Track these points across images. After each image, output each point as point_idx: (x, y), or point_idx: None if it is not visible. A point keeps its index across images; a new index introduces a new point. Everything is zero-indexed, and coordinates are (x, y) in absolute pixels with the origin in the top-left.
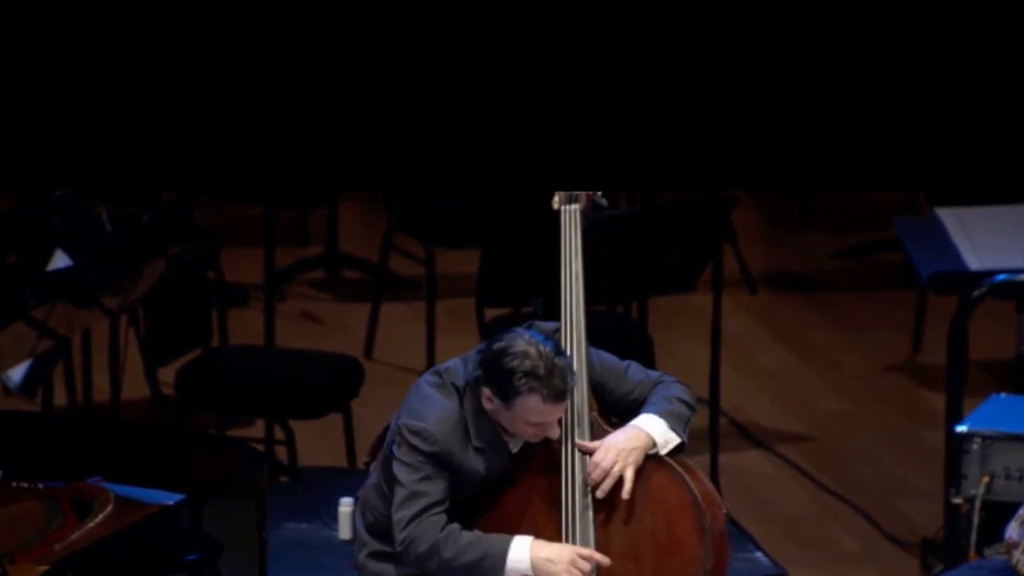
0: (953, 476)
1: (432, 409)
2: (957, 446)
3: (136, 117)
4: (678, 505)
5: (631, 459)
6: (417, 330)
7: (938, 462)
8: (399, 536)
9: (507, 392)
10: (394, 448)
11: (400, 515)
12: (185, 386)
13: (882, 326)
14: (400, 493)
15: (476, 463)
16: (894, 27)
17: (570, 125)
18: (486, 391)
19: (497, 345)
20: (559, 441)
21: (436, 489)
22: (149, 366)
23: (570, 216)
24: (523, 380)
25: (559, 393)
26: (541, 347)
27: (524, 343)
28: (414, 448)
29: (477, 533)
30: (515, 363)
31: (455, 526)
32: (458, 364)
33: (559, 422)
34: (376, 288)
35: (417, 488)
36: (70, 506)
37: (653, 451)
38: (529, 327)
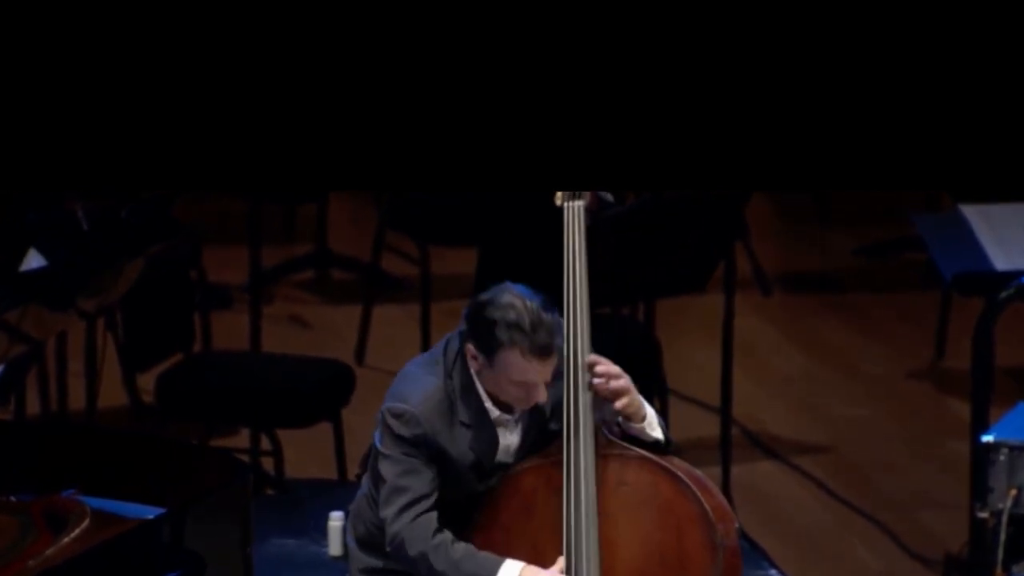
0: (979, 489)
1: (414, 389)
2: (983, 457)
3: (119, 114)
4: (687, 519)
5: (629, 384)
6: (411, 333)
7: (963, 474)
8: (389, 531)
9: (489, 345)
10: (377, 438)
11: (385, 512)
12: (166, 393)
13: (904, 329)
14: (384, 489)
15: (463, 441)
16: (912, 18)
17: (572, 122)
18: (470, 348)
19: (483, 297)
20: (560, 452)
21: (420, 482)
22: (128, 372)
23: (573, 213)
24: (505, 332)
25: (542, 348)
26: (528, 301)
27: (511, 295)
28: (397, 437)
29: (469, 548)
30: (498, 314)
31: (447, 535)
32: (455, 336)
33: (560, 401)
34: (368, 289)
35: (399, 483)
36: (44, 521)
37: (639, 424)
38: None
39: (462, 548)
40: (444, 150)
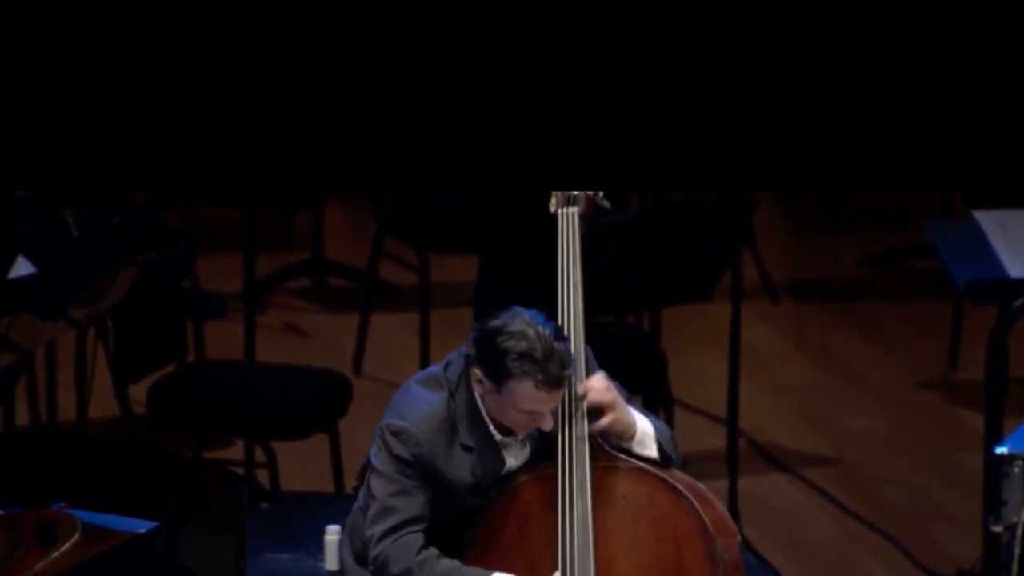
0: (992, 502)
1: (416, 407)
2: (997, 469)
3: (107, 112)
4: (686, 533)
5: (616, 402)
6: (410, 343)
7: (976, 487)
8: (371, 553)
9: (499, 374)
10: (373, 454)
11: (372, 531)
12: (158, 404)
13: (915, 339)
14: (373, 507)
15: (463, 463)
16: (926, 17)
17: (572, 119)
18: (476, 372)
19: (493, 323)
20: (556, 465)
21: (411, 505)
22: (119, 383)
23: (568, 220)
24: (517, 363)
25: (555, 380)
26: (540, 328)
27: (522, 323)
28: (393, 455)
29: (455, 563)
30: (510, 343)
31: (433, 551)
32: (456, 356)
33: (555, 415)
34: (365, 297)
35: (390, 503)
36: (33, 534)
37: (627, 443)
38: None
39: (448, 564)
40: (443, 150)
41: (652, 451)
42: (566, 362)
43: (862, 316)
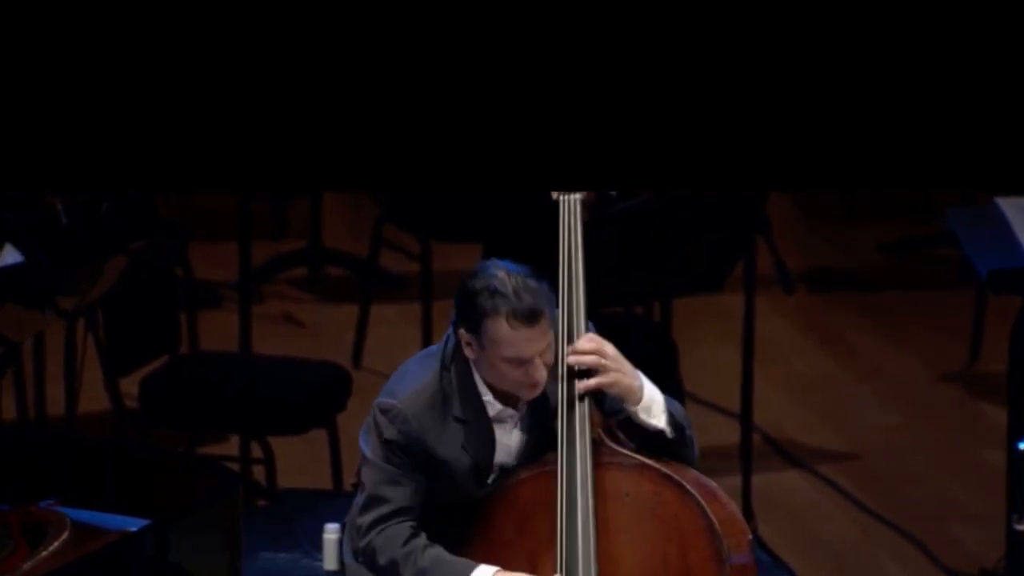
0: (1015, 499)
1: (405, 384)
2: (1020, 465)
3: (101, 111)
4: (692, 531)
5: (614, 367)
6: (411, 334)
7: (999, 483)
8: (359, 543)
9: (475, 319)
10: (362, 439)
11: (360, 520)
12: (150, 398)
13: (936, 330)
14: (362, 496)
15: (455, 439)
16: (938, 13)
17: (575, 120)
18: (463, 333)
19: (467, 275)
20: (555, 461)
21: (401, 494)
22: (110, 375)
23: (569, 208)
24: (488, 299)
25: (528, 312)
26: (512, 271)
27: (494, 267)
28: (382, 440)
29: (440, 555)
30: (480, 283)
31: (418, 542)
32: (453, 331)
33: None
34: (365, 287)
35: (379, 492)
36: (21, 532)
37: (632, 407)
38: None
39: (432, 555)
40: (444, 149)
41: (660, 421)
42: (541, 297)
43: (880, 307)
